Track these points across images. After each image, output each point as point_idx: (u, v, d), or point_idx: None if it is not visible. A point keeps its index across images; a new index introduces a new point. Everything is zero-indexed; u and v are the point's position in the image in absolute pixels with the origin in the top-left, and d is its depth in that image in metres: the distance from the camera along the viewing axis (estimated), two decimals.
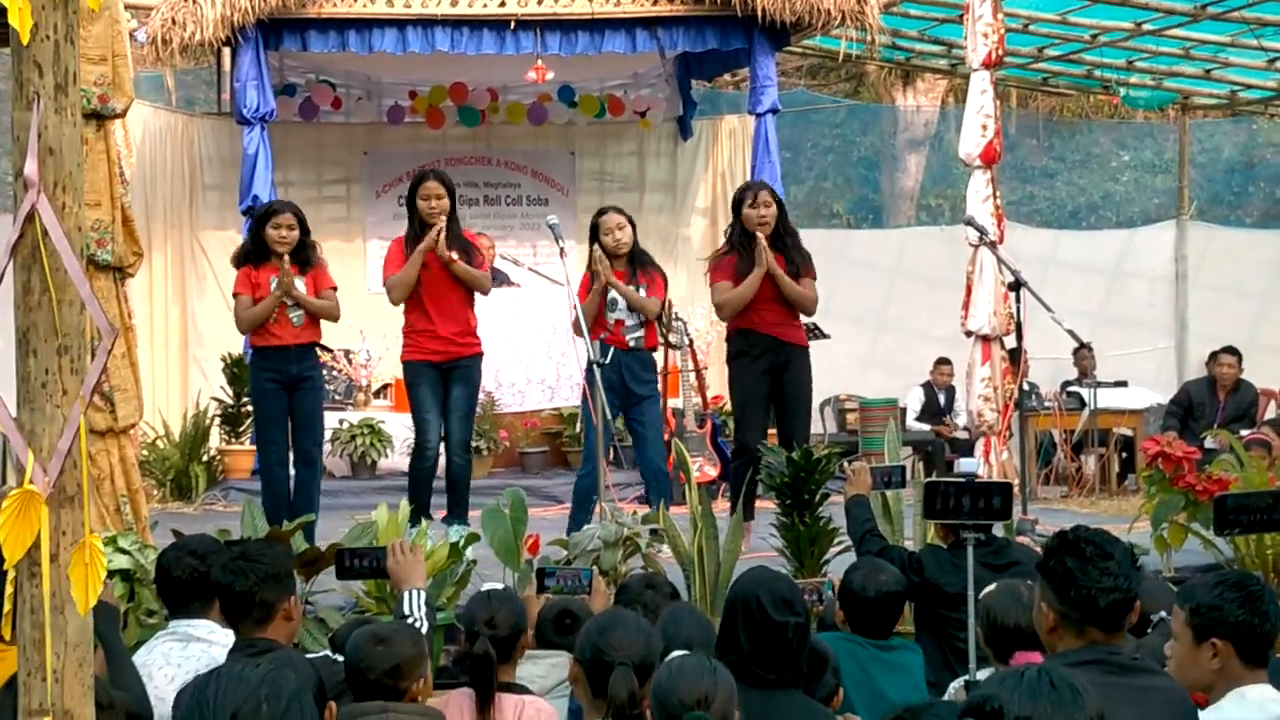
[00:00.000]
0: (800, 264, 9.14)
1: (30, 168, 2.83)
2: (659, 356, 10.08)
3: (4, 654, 3.85)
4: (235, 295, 9.15)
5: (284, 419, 9.10)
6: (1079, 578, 3.94)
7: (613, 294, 9.25)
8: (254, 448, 12.72)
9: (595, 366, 8.47)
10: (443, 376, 9.14)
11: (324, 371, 12.48)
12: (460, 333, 9.15)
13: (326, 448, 12.42)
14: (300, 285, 8.98)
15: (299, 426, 9.11)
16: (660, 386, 9.90)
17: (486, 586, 5.39)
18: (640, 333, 9.29)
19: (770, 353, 9.11)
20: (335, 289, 9.23)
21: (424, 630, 5.06)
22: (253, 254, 9.10)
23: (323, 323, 9.18)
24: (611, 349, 9.01)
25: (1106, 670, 3.86)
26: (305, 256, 9.06)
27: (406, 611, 5.20)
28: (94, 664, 2.97)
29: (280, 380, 9.04)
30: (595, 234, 9.40)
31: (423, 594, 5.30)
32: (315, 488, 9.14)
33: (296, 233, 9.01)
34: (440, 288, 9.09)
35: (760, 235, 8.97)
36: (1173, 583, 6.42)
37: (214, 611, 5.09)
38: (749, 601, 4.50)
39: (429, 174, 9.26)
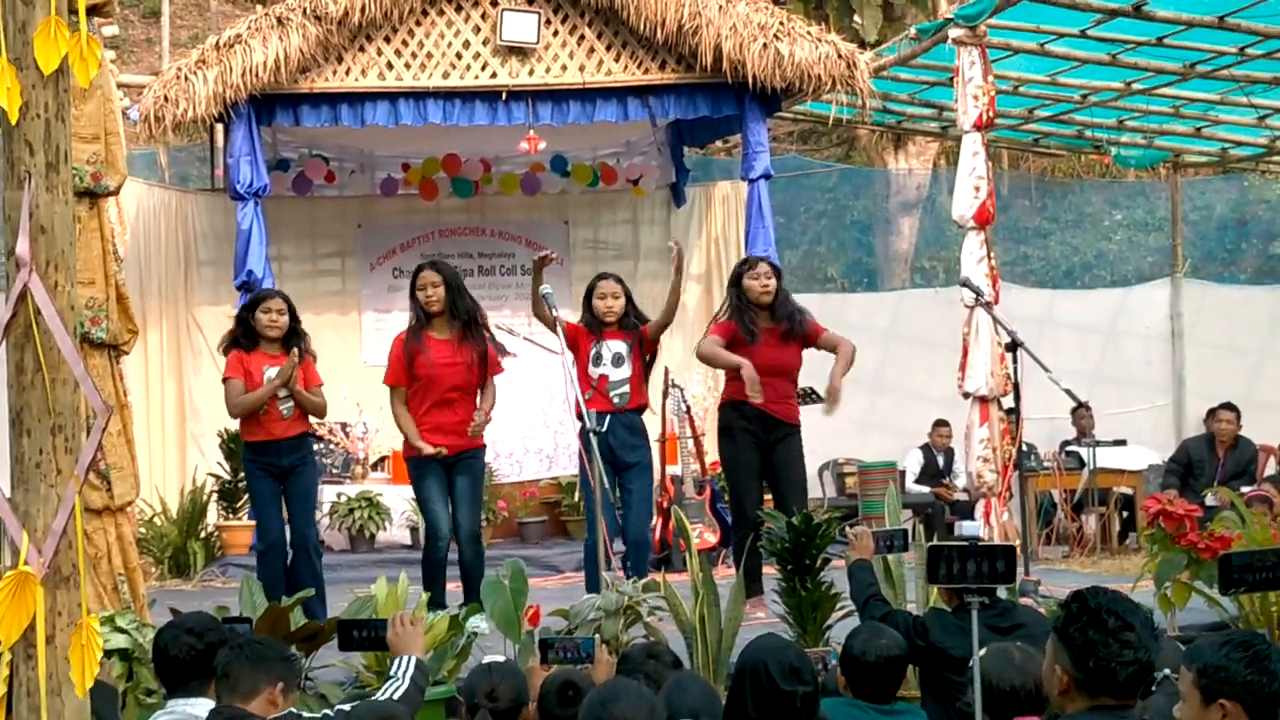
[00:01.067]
0: (804, 327, 9.18)
1: (22, 247, 2.82)
2: (654, 422, 9.98)
3: None
4: (226, 380, 9.09)
5: (278, 501, 9.08)
6: (1100, 649, 3.89)
7: (597, 348, 9.24)
8: (251, 523, 12.71)
9: (592, 435, 8.43)
10: (446, 470, 9.06)
11: (320, 446, 12.49)
12: (462, 426, 9.01)
13: (324, 522, 12.41)
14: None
15: (294, 511, 9.08)
16: (651, 454, 9.76)
17: (488, 659, 5.35)
18: (625, 389, 9.24)
19: (761, 428, 9.11)
20: (322, 385, 9.23)
21: (401, 690, 5.07)
22: (242, 340, 9.09)
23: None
24: (607, 417, 8.96)
25: None
26: (295, 344, 9.03)
27: (392, 673, 5.21)
28: None
29: (273, 472, 9.04)
30: (589, 297, 9.40)
31: (413, 660, 5.28)
32: (313, 573, 9.04)
33: (286, 318, 9.00)
34: (442, 383, 9.00)
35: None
36: (1180, 642, 6.38)
37: (212, 690, 5.06)
38: (758, 670, 4.47)
39: (425, 265, 9.26)
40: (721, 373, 9.64)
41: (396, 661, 5.29)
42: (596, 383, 9.20)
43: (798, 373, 9.36)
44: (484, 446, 9.29)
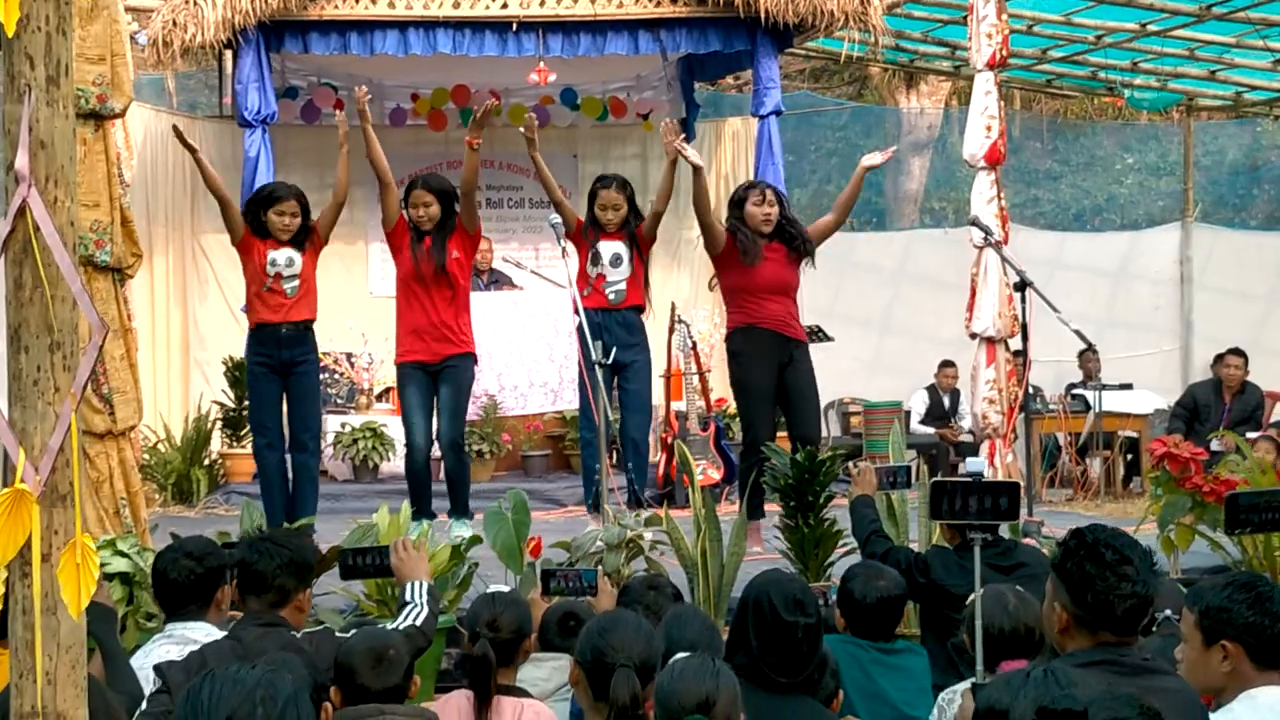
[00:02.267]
0: (806, 243, 9.10)
1: (21, 161, 2.79)
2: (659, 356, 9.94)
3: None
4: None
5: (279, 403, 9.11)
6: (1097, 582, 3.88)
7: (597, 247, 9.30)
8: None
9: (597, 367, 8.42)
10: (432, 378, 9.17)
11: (325, 376, 12.50)
12: (451, 329, 9.12)
13: (328, 451, 12.41)
14: (298, 260, 9.00)
15: (293, 413, 9.09)
16: (649, 353, 9.76)
17: (492, 589, 5.35)
18: (622, 285, 9.29)
19: (772, 349, 8.99)
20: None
21: (424, 616, 5.13)
22: (253, 228, 9.10)
23: (319, 307, 9.21)
24: (614, 349, 8.95)
25: (1116, 671, 3.81)
26: (305, 238, 9.06)
27: (409, 599, 5.25)
28: (91, 666, 2.93)
29: (270, 364, 9.03)
30: (592, 201, 9.50)
31: (425, 585, 5.31)
32: (310, 479, 9.11)
33: (299, 220, 9.01)
34: (427, 287, 9.11)
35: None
36: (1181, 584, 6.37)
37: (211, 614, 5.07)
38: (760, 601, 4.46)
39: (416, 181, 9.35)
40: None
41: (409, 587, 5.32)
42: (594, 281, 9.31)
43: (798, 289, 9.23)
44: (469, 353, 9.30)
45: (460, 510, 9.12)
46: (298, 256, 8.99)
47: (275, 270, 8.97)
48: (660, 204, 9.45)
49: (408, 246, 9.15)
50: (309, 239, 9.07)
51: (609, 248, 9.33)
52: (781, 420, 9.21)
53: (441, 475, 9.33)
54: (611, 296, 9.29)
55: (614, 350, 8.93)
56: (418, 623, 5.12)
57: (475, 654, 4.68)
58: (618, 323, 9.33)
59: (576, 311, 8.69)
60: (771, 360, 8.96)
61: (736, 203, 9.15)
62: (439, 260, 9.05)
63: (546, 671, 5.14)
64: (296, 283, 8.96)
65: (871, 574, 5.71)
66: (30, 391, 2.81)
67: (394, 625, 5.07)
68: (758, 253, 8.91)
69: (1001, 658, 4.69)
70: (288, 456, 9.20)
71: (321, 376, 13.02)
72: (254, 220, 9.08)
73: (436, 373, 9.16)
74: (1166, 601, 5.14)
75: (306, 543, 5.67)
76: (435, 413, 9.22)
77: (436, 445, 9.30)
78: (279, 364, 9.01)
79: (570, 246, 9.30)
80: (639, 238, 9.39)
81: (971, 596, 4.70)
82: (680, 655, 3.93)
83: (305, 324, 9.09)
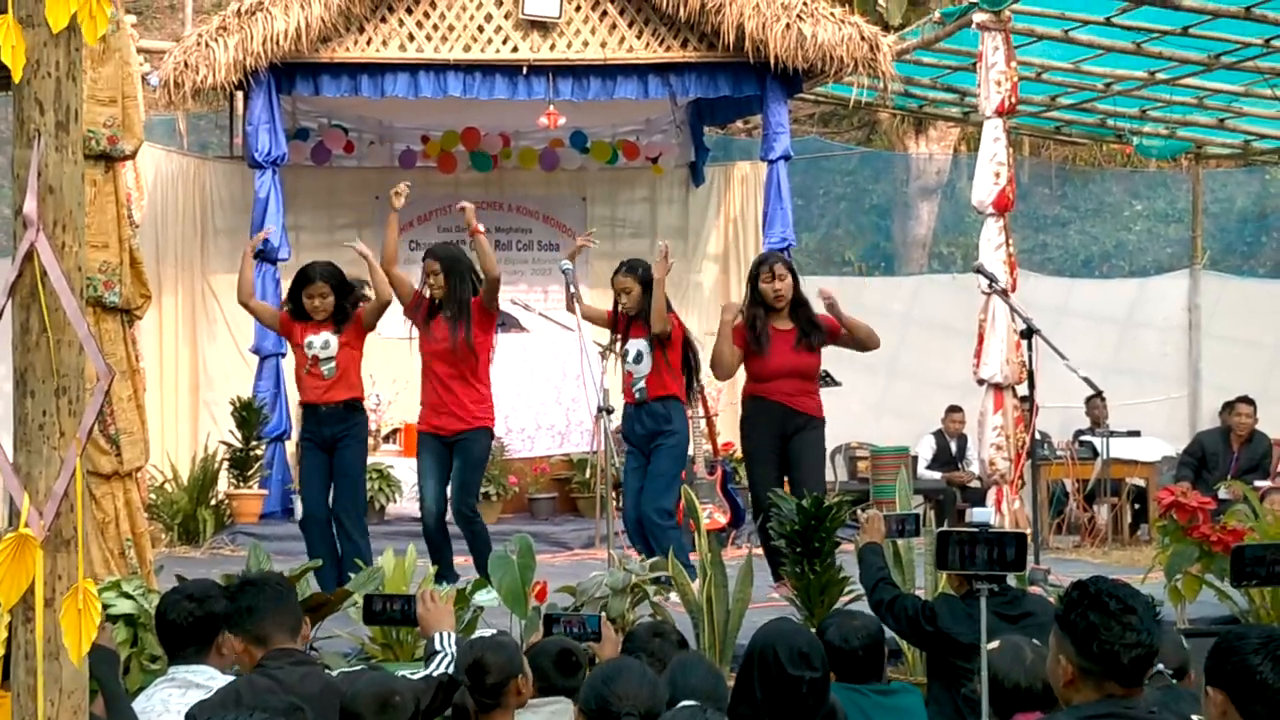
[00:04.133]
0: (821, 336, 9.28)
1: (30, 206, 2.79)
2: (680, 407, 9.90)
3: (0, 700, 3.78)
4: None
5: (321, 476, 9.14)
6: (1102, 633, 3.85)
7: (626, 345, 9.41)
8: (262, 492, 12.73)
9: (604, 413, 8.46)
10: (448, 448, 9.29)
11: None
12: (464, 408, 9.22)
13: None
14: (334, 342, 9.04)
15: (335, 489, 9.13)
16: (678, 435, 9.58)
17: (478, 633, 5.34)
18: (643, 383, 9.32)
19: (781, 420, 9.21)
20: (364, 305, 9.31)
21: (454, 665, 5.12)
22: (292, 309, 9.24)
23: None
24: (624, 405, 9.15)
25: None
26: (344, 319, 9.12)
27: (439, 647, 5.27)
28: (93, 709, 2.91)
29: (316, 442, 9.13)
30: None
31: (453, 635, 5.33)
32: (357, 553, 9.02)
33: (331, 299, 9.05)
34: (444, 363, 9.18)
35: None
36: (1188, 634, 6.34)
37: (212, 657, 5.05)
38: (765, 654, 4.44)
39: (427, 253, 9.49)
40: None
41: (438, 637, 5.33)
42: (624, 378, 9.48)
43: (816, 371, 9.43)
44: (483, 428, 9.36)
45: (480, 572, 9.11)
46: (334, 339, 9.06)
47: (312, 353, 9.08)
48: (656, 325, 9.35)
49: (422, 323, 9.30)
50: (347, 320, 9.11)
51: (633, 345, 9.41)
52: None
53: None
54: (637, 394, 9.38)
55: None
56: (450, 670, 5.13)
57: (455, 703, 4.69)
58: (647, 414, 9.38)
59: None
60: (774, 428, 9.22)
61: (752, 280, 9.41)
62: (453, 341, 9.11)
63: (543, 717, 5.10)
64: (333, 365, 9.03)
65: (846, 618, 5.70)
66: (36, 435, 2.81)
67: (424, 674, 5.08)
68: (767, 341, 9.19)
69: (1015, 710, 4.66)
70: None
71: None
72: (295, 302, 9.15)
73: (452, 444, 9.27)
74: (1167, 652, 5.10)
75: (276, 574, 5.71)
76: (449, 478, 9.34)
77: None
78: (322, 441, 9.11)
79: (579, 290, 9.35)
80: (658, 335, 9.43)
81: (985, 647, 4.68)
82: (684, 704, 3.92)
83: (345, 403, 9.15)
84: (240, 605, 5.04)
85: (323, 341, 9.07)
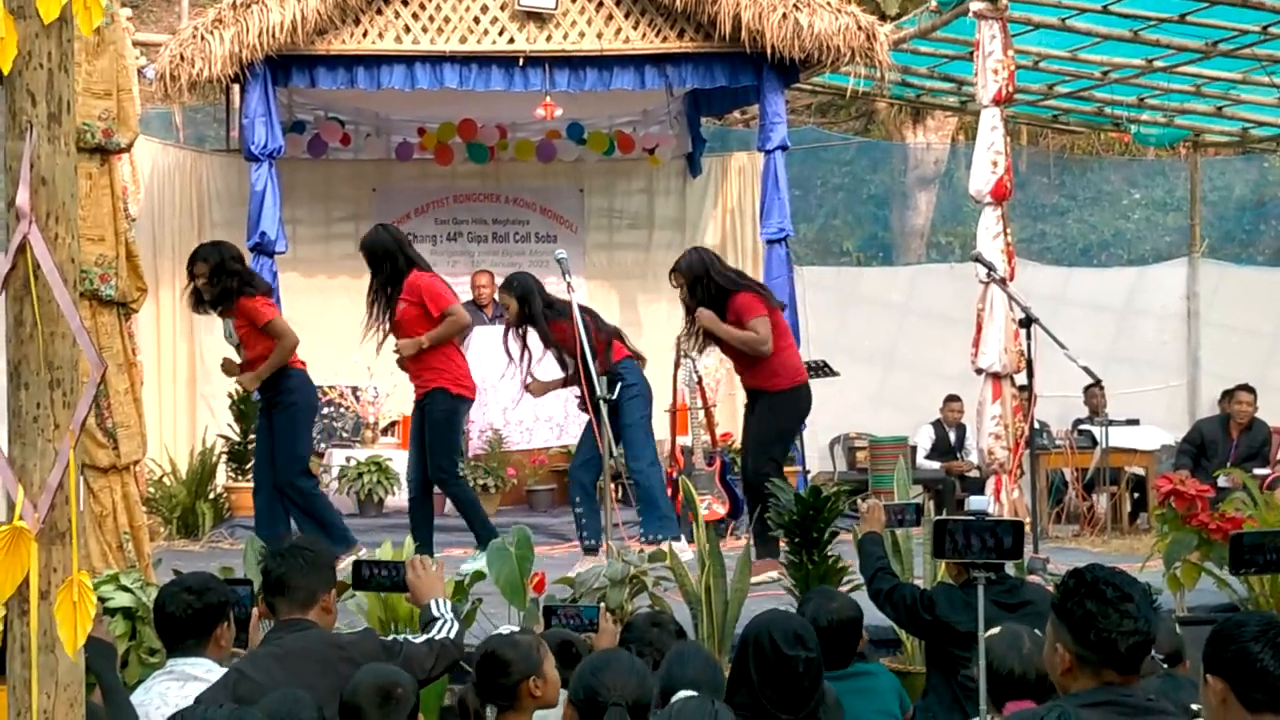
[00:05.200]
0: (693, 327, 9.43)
1: (22, 198, 2.79)
2: (664, 393, 10.04)
3: None
4: (273, 321, 9.49)
5: (264, 439, 9.49)
6: (1099, 620, 3.85)
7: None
8: None
9: (603, 403, 8.46)
10: (422, 418, 9.62)
11: (329, 409, 12.58)
12: (418, 376, 9.57)
13: (333, 485, 12.41)
14: (230, 325, 9.50)
15: (276, 454, 9.32)
16: (639, 388, 10.11)
17: (504, 629, 5.31)
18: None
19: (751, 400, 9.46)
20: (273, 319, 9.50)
21: (456, 629, 5.20)
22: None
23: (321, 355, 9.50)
24: (618, 385, 9.10)
25: (1120, 711, 3.78)
26: (224, 303, 9.41)
27: (435, 614, 5.28)
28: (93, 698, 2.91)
29: (262, 408, 9.59)
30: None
31: (447, 602, 5.35)
32: (297, 515, 9.23)
33: (203, 281, 9.37)
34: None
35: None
36: (1184, 622, 6.34)
37: (210, 650, 5.06)
38: (760, 638, 4.46)
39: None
40: None
41: (434, 604, 5.36)
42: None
43: (736, 354, 9.41)
44: (439, 388, 9.52)
45: (480, 541, 9.21)
46: (228, 322, 9.59)
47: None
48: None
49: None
50: (231, 312, 9.54)
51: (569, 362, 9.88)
52: (792, 456, 9.39)
53: (445, 510, 9.49)
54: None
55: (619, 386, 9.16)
56: (451, 635, 5.15)
57: (459, 702, 4.71)
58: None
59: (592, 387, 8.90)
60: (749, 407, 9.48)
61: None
62: (392, 324, 9.69)
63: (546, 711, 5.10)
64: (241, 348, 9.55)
65: (824, 598, 5.70)
66: (30, 428, 2.81)
67: (426, 638, 5.10)
68: (699, 336, 9.39)
69: (1008, 698, 4.66)
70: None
71: (326, 410, 13.06)
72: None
73: (419, 407, 9.63)
74: (1162, 640, 5.11)
75: (326, 544, 5.74)
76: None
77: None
78: (264, 406, 9.53)
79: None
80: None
81: (982, 636, 4.68)
82: (681, 694, 3.92)
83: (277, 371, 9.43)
84: (272, 572, 5.12)
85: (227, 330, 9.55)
